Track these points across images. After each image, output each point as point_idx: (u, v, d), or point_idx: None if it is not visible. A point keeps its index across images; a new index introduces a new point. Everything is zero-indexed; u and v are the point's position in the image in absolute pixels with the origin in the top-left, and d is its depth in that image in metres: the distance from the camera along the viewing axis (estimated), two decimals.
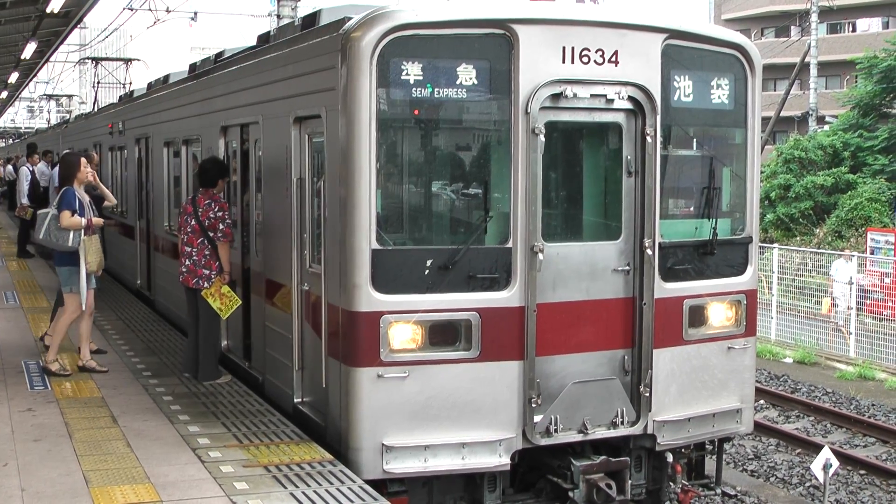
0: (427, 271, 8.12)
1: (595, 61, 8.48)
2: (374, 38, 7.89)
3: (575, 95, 8.41)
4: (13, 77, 38.52)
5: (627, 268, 8.80)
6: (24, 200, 21.29)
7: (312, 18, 9.45)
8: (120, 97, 22.48)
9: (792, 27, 55.26)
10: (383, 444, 8.05)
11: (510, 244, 8.32)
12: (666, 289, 8.89)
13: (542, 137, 8.30)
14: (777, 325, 23.67)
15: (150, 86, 17.97)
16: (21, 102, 74.84)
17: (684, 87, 9.04)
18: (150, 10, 32.06)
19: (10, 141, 65.37)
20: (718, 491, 10.34)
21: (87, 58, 36.34)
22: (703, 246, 9.18)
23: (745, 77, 9.38)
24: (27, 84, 50.53)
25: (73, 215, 10.55)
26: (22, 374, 11.06)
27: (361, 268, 8.00)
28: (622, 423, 8.70)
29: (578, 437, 8.57)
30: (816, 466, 11.12)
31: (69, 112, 58.16)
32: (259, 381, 10.44)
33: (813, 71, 44.50)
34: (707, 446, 9.84)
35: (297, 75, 9.31)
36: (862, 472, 14.35)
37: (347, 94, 8.00)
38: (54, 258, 11.07)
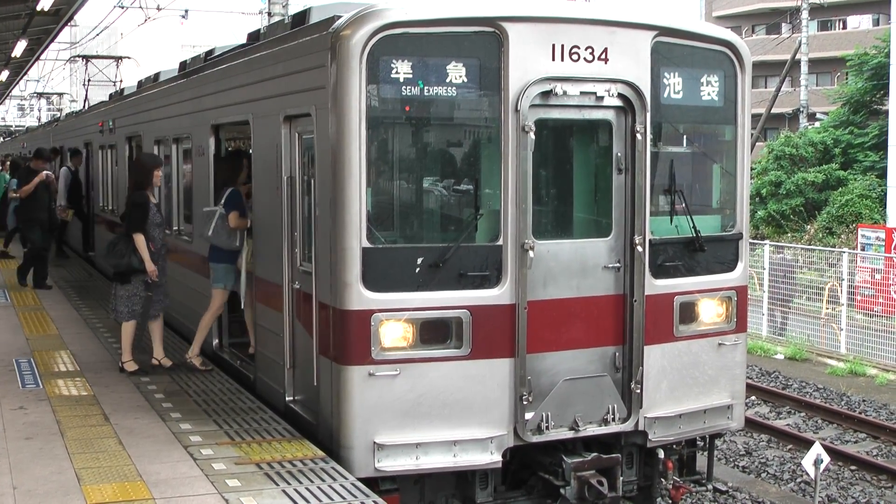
0: (418, 269, 8.13)
1: (585, 59, 8.49)
2: (364, 37, 7.89)
3: (565, 93, 8.42)
4: (3, 75, 38.47)
5: (618, 265, 8.81)
6: (63, 202, 21.22)
7: (302, 17, 9.44)
8: (110, 95, 22.43)
9: (783, 24, 55.38)
10: (375, 442, 8.06)
11: (500, 242, 8.32)
12: (656, 285, 8.91)
13: (532, 135, 8.31)
14: (768, 321, 23.72)
15: (140, 84, 17.94)
16: (11, 101, 74.63)
17: (674, 85, 9.06)
18: (140, 7, 32.01)
19: (1, 139, 65.20)
20: (710, 487, 10.41)
21: (78, 56, 36.26)
22: (693, 242, 9.20)
23: (734, 74, 9.40)
24: (17, 82, 50.49)
25: (240, 216, 10.73)
26: (13, 372, 11.05)
27: (352, 266, 8.01)
28: (613, 419, 8.72)
29: (570, 435, 8.59)
30: (807, 462, 11.15)
31: (60, 110, 58.00)
32: None
33: (804, 68, 44.64)
34: (698, 442, 9.87)
35: (286, 74, 9.31)
36: (853, 467, 14.39)
37: (337, 92, 8.00)
38: (210, 256, 11.16)
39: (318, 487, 7.46)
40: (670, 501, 9.51)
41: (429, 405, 8.17)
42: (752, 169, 10.66)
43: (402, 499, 8.34)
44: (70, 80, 74.02)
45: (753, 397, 17.68)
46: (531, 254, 8.33)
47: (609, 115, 8.73)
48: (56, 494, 7.28)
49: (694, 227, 9.10)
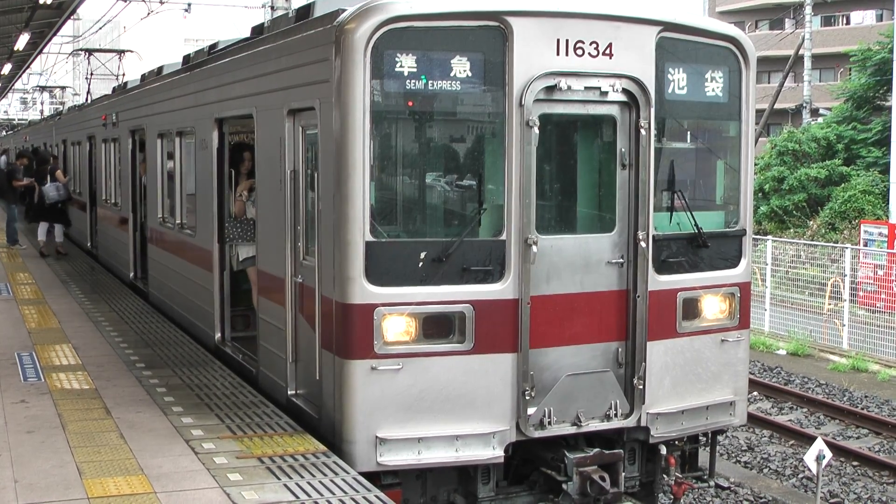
0: (421, 263, 8.12)
1: (589, 54, 8.47)
2: (368, 31, 7.88)
3: (569, 88, 8.40)
4: (6, 69, 38.50)
5: (621, 260, 8.80)
6: None
7: (306, 10, 9.42)
8: (113, 89, 22.41)
9: (786, 20, 55.33)
10: (377, 437, 8.05)
11: (504, 236, 8.31)
12: (660, 281, 8.90)
13: (536, 130, 8.29)
14: (770, 317, 23.70)
15: (143, 77, 17.92)
16: (14, 94, 74.72)
17: (678, 80, 9.03)
18: (143, 1, 31.99)
19: (3, 132, 65.24)
20: (712, 483, 10.37)
21: (81, 49, 36.24)
22: (696, 238, 9.18)
23: (739, 70, 9.38)
24: (20, 76, 50.56)
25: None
26: (15, 365, 11.04)
27: (355, 260, 8.00)
28: (616, 415, 8.71)
29: (572, 430, 8.58)
30: (809, 458, 11.14)
31: (62, 104, 58.00)
32: None
33: (807, 63, 44.58)
34: (700, 438, 9.86)
35: (290, 67, 9.29)
36: (855, 463, 14.39)
37: (341, 86, 7.99)
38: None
39: (320, 482, 7.46)
40: (672, 497, 9.50)
41: (431, 400, 8.16)
42: (755, 164, 10.64)
43: (404, 493, 8.34)
44: (73, 73, 74.08)
45: (756, 393, 17.67)
46: (534, 249, 8.31)
47: (613, 110, 8.71)
48: (57, 488, 7.28)
49: (695, 223, 9.08)
